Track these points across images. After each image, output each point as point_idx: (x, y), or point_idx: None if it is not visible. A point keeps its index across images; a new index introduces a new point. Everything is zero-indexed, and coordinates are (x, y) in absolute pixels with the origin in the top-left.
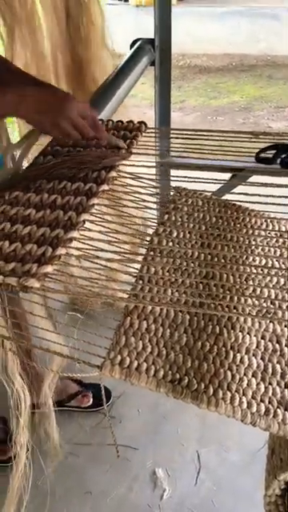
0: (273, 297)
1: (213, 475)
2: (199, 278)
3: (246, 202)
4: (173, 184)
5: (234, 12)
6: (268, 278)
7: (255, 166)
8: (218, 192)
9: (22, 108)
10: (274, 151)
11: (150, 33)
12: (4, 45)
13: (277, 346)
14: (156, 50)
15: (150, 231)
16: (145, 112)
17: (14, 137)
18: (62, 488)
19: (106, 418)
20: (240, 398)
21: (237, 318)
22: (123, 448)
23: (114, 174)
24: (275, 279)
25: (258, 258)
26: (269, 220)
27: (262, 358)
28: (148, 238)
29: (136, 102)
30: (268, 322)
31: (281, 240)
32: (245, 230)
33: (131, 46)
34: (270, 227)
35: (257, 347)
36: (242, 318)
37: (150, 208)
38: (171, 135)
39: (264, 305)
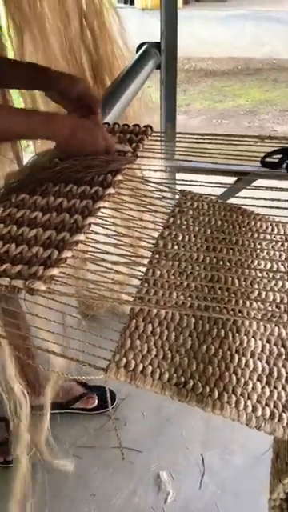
0: (278, 300)
1: (217, 478)
2: (204, 281)
3: (252, 205)
4: (178, 187)
5: (239, 15)
6: (273, 282)
7: (260, 171)
8: (223, 196)
9: (79, 132)
10: (279, 155)
11: (155, 36)
12: (13, 46)
13: (282, 349)
14: (162, 54)
15: (156, 234)
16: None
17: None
18: (66, 490)
19: (111, 421)
20: (245, 402)
21: (242, 322)
22: (127, 451)
23: (120, 177)
24: (280, 283)
25: (263, 262)
26: (274, 224)
27: (267, 362)
28: (153, 241)
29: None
30: (273, 325)
31: (286, 244)
32: (250, 234)
33: (137, 50)
34: (276, 231)
35: (262, 351)
36: (247, 322)
37: (156, 211)
38: (177, 139)
39: (269, 308)
